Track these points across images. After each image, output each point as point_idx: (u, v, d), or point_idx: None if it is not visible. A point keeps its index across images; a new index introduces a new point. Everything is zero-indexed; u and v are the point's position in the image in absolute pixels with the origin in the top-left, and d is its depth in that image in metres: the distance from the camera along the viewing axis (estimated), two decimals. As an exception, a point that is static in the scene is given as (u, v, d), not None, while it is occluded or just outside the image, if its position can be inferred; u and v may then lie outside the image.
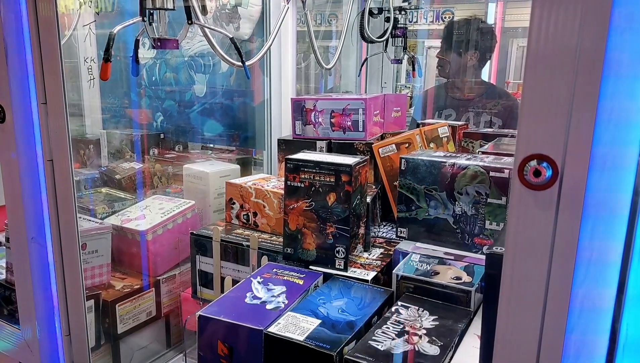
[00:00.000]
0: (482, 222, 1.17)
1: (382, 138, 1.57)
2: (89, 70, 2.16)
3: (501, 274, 0.63)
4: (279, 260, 1.25)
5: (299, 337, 0.89)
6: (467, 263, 1.11)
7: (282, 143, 1.61)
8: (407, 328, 0.93)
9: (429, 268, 1.09)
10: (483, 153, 1.36)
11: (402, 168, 1.25)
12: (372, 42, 2.01)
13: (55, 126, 1.08)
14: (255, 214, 1.41)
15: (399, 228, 1.29)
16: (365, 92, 2.55)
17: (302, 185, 1.16)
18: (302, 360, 0.88)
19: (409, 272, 1.08)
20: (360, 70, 2.47)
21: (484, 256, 0.80)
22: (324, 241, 1.16)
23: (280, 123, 1.89)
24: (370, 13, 1.97)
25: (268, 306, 1.00)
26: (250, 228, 1.42)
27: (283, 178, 1.21)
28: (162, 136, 2.20)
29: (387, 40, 2.05)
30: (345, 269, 1.15)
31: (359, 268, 1.17)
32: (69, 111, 1.07)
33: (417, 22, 3.07)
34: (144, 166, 2.02)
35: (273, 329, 0.91)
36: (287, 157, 1.18)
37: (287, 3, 1.64)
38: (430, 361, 0.84)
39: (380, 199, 1.41)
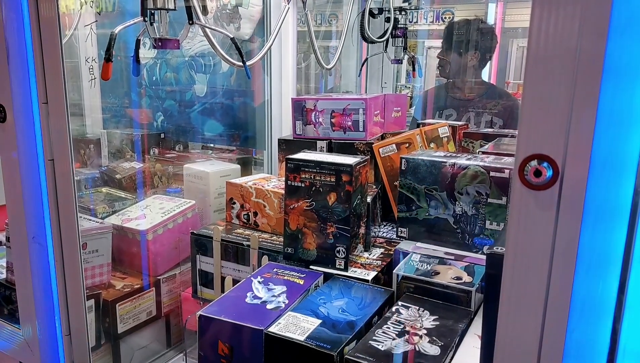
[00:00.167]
0: (483, 222, 1.17)
1: (383, 137, 1.57)
2: (90, 70, 2.15)
3: (502, 274, 0.63)
4: (279, 259, 1.25)
5: (299, 336, 0.89)
6: (467, 263, 1.11)
7: (282, 142, 1.61)
8: (407, 328, 0.93)
9: (429, 268, 1.09)
10: (483, 153, 1.36)
11: (403, 167, 1.25)
12: (372, 42, 2.01)
13: (56, 126, 1.09)
14: (255, 214, 1.41)
15: (399, 228, 1.29)
16: (366, 92, 2.55)
17: (303, 185, 1.16)
18: (302, 360, 0.88)
19: (409, 272, 1.08)
20: (361, 70, 2.47)
21: (484, 256, 0.80)
22: (325, 241, 1.16)
23: (281, 123, 1.89)
24: (371, 13, 1.97)
25: (268, 306, 1.00)
26: (250, 227, 1.42)
27: (283, 178, 1.21)
28: (162, 135, 2.20)
29: (387, 40, 2.05)
30: (346, 269, 1.15)
31: (359, 268, 1.17)
32: (70, 111, 1.07)
33: (417, 22, 3.07)
34: (144, 165, 2.02)
35: (273, 329, 0.91)
36: (287, 157, 1.18)
37: (288, 3, 1.64)
38: (431, 361, 0.84)
39: (380, 199, 1.41)
